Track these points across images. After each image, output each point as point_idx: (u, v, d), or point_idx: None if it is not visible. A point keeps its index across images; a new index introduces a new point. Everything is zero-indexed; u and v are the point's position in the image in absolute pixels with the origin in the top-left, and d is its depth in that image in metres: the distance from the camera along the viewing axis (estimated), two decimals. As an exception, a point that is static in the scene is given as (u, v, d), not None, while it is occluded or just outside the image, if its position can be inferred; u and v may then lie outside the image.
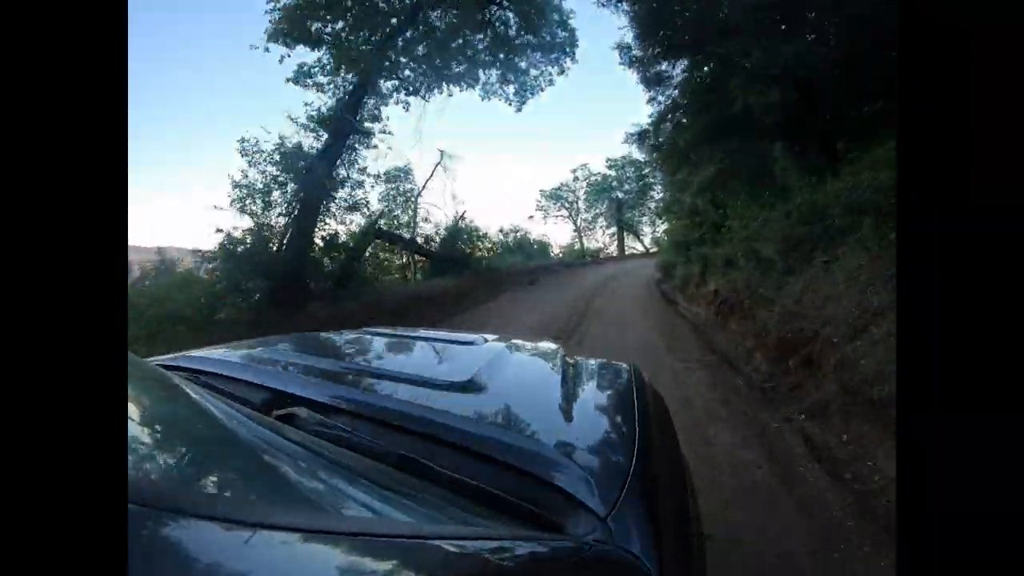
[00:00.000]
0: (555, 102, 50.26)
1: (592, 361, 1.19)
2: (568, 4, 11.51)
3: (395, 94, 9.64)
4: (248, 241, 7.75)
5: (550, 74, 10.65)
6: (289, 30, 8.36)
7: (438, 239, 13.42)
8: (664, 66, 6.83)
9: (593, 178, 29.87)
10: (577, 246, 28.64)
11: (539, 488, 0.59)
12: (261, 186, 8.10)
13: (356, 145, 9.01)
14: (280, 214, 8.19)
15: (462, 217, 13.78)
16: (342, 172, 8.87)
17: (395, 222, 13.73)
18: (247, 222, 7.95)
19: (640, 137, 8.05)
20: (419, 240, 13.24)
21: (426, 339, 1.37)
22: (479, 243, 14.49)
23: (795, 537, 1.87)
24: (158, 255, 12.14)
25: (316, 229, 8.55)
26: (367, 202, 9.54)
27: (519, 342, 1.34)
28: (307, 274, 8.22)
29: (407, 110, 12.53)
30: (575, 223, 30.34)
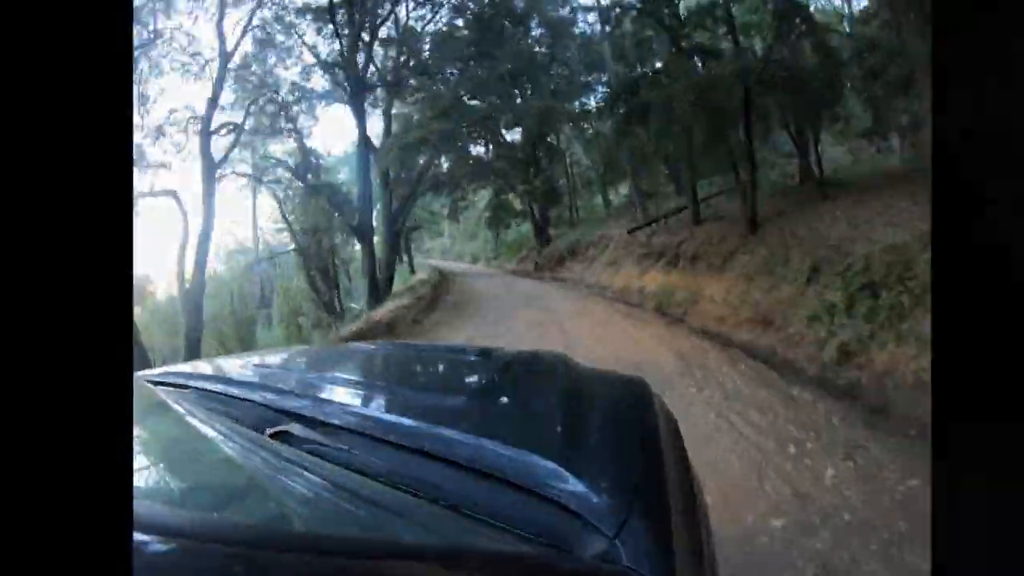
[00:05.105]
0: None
1: (600, 372, 1.17)
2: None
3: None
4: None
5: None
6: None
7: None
8: None
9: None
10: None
11: (543, 506, 0.57)
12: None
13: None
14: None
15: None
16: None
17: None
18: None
19: None
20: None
21: (423, 352, 1.36)
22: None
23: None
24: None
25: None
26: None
27: (522, 352, 1.33)
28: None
29: None
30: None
